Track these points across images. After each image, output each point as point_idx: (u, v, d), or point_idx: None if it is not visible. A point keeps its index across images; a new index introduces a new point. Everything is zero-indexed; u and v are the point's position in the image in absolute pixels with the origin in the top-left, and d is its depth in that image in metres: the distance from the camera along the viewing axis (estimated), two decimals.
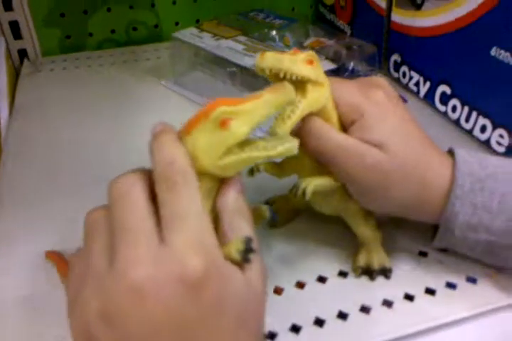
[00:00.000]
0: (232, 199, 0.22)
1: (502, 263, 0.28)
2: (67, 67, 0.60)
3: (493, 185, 0.26)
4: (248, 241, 0.20)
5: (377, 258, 0.29)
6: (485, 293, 0.28)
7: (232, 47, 0.48)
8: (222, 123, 0.21)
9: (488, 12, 0.38)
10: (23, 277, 0.30)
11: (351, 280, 0.30)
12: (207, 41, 0.50)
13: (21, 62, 0.60)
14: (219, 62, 0.49)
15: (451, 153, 0.28)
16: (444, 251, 0.31)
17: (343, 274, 0.30)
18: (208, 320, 0.18)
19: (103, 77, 0.58)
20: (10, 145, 0.45)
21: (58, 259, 0.29)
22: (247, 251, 0.20)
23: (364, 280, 0.30)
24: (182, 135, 0.22)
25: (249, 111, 0.21)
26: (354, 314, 0.27)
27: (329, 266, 0.31)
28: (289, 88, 0.22)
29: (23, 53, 0.61)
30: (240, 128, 0.21)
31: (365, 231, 0.29)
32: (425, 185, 0.26)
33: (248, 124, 0.21)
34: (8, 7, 0.57)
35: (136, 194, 0.20)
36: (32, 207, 0.36)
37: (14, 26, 0.59)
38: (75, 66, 0.60)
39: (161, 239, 0.19)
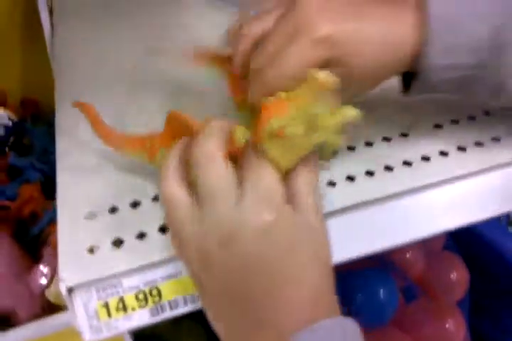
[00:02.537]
0: (306, 180, 0.26)
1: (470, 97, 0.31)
2: None
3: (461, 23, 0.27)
4: None
5: None
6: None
7: None
8: (279, 134, 0.24)
9: None
10: None
11: None
12: None
13: None
14: None
15: None
16: None
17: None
18: (284, 258, 0.24)
19: None
20: (57, 53, 0.48)
21: (91, 112, 0.32)
22: None
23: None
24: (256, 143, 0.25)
25: (294, 117, 0.24)
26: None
27: None
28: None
29: None
30: (296, 131, 0.24)
31: None
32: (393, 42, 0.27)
33: (300, 125, 0.24)
34: None
35: (221, 159, 0.24)
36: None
37: None
38: None
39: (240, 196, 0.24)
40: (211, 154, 0.24)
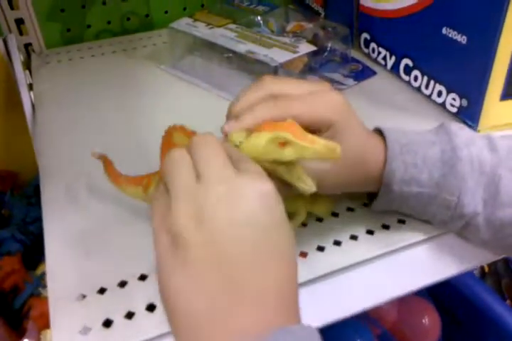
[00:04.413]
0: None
1: (429, 217, 0.36)
2: (72, 58, 0.66)
3: (415, 148, 0.34)
4: None
5: None
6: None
7: (225, 35, 0.56)
8: (281, 144, 0.28)
9: None
10: None
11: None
12: (202, 30, 0.57)
13: (28, 56, 0.66)
14: (214, 49, 0.56)
15: (377, 130, 0.36)
16: None
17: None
18: (279, 227, 0.25)
19: (107, 64, 0.64)
20: (40, 133, 0.51)
21: (106, 160, 0.38)
22: None
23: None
24: (253, 130, 0.29)
25: (302, 149, 0.27)
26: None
27: None
28: (338, 153, 0.27)
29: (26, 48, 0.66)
30: (289, 156, 0.28)
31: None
32: (366, 163, 0.33)
33: (296, 155, 0.28)
34: (13, 6, 0.63)
35: (215, 140, 0.27)
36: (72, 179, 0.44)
37: (18, 23, 0.64)
38: (79, 56, 0.66)
39: (236, 169, 0.26)
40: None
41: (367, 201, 0.39)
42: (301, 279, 0.33)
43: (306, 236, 0.36)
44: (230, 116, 0.33)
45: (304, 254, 0.35)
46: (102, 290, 0.33)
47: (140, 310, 0.31)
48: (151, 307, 0.31)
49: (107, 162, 0.39)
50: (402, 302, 0.70)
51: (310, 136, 0.28)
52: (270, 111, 0.30)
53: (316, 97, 0.32)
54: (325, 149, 0.27)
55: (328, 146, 0.27)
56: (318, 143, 0.27)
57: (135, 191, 0.36)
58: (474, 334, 0.69)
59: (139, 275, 0.34)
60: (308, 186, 0.29)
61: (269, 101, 0.31)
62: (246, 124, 0.30)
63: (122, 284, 0.33)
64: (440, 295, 0.73)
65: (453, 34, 0.46)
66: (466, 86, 0.46)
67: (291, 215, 0.34)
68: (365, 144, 0.33)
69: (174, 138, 0.34)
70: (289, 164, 0.29)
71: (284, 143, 0.28)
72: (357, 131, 0.33)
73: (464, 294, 0.69)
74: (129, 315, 0.31)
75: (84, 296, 0.32)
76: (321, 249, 0.36)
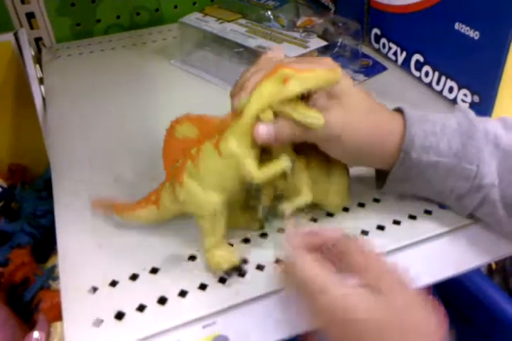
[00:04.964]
0: None
1: (446, 192, 0.35)
2: (82, 53, 0.66)
3: (433, 118, 0.34)
4: None
5: None
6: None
7: (235, 30, 0.56)
8: (285, 80, 0.29)
9: None
10: None
11: None
12: (212, 25, 0.57)
13: (38, 50, 0.67)
14: (225, 44, 0.56)
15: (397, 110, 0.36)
16: None
17: None
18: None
19: (117, 59, 0.64)
20: (51, 127, 0.52)
21: (107, 204, 0.37)
22: None
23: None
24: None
25: (305, 78, 0.29)
26: None
27: None
28: (338, 73, 0.30)
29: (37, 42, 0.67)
30: (294, 88, 0.29)
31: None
32: (382, 131, 0.33)
33: (301, 86, 0.29)
34: (24, 0, 0.63)
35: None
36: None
37: (29, 17, 0.65)
38: (89, 51, 0.66)
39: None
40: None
41: (377, 186, 0.38)
42: None
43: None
44: (234, 92, 0.34)
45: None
46: (113, 283, 0.33)
47: (151, 302, 0.32)
48: (162, 300, 0.32)
49: (108, 205, 0.38)
50: None
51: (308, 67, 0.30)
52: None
53: (314, 64, 0.32)
54: (325, 73, 0.29)
55: (329, 69, 0.29)
56: (317, 70, 0.29)
57: (149, 212, 0.36)
58: (482, 331, 0.69)
59: (150, 268, 0.34)
60: (316, 118, 0.30)
61: (267, 68, 0.32)
62: (251, 88, 0.31)
63: (134, 277, 0.33)
64: (447, 292, 0.73)
65: (465, 29, 0.45)
66: (478, 82, 0.45)
67: (296, 192, 0.34)
68: (375, 109, 0.34)
69: (177, 132, 0.34)
70: (293, 102, 0.30)
71: (287, 79, 0.29)
72: (362, 94, 0.34)
73: (471, 291, 0.69)
74: (141, 308, 0.31)
75: (95, 289, 0.33)
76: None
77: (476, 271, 0.71)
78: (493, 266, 0.82)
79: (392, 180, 0.36)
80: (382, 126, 0.34)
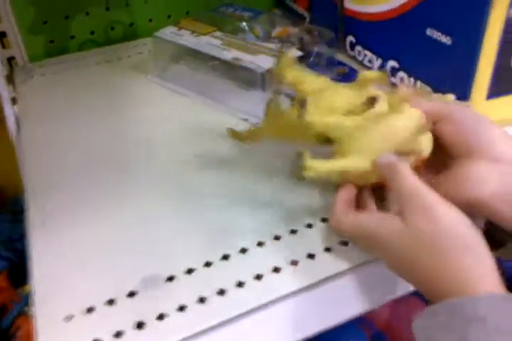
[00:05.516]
0: None
1: None
2: (56, 71, 0.65)
3: None
4: None
5: None
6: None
7: (210, 43, 0.55)
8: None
9: (423, 1, 0.46)
10: None
11: None
12: (187, 38, 0.57)
13: (11, 69, 0.65)
14: (200, 57, 0.56)
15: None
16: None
17: None
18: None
19: (92, 76, 0.63)
20: (25, 148, 0.50)
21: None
22: None
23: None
24: None
25: None
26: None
27: None
28: None
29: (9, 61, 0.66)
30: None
31: None
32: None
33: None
34: None
35: None
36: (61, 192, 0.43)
37: (1, 36, 0.64)
38: (63, 68, 0.65)
39: None
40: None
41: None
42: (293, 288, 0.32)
43: (297, 245, 0.36)
44: None
45: (295, 263, 0.34)
46: (89, 310, 0.32)
47: (129, 328, 0.30)
48: (140, 325, 0.31)
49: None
50: (394, 301, 0.69)
51: None
52: None
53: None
54: None
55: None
56: None
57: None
58: None
59: (127, 292, 0.33)
60: None
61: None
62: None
63: (111, 302, 0.32)
64: None
65: (437, 35, 0.45)
66: (452, 86, 0.45)
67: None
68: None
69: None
70: None
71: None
72: None
73: None
74: (118, 335, 0.30)
75: (71, 316, 0.31)
76: (311, 256, 0.35)
77: None
78: None
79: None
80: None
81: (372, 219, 0.31)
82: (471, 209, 0.30)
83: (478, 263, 0.27)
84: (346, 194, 0.34)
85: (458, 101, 0.39)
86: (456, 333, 0.24)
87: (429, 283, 0.28)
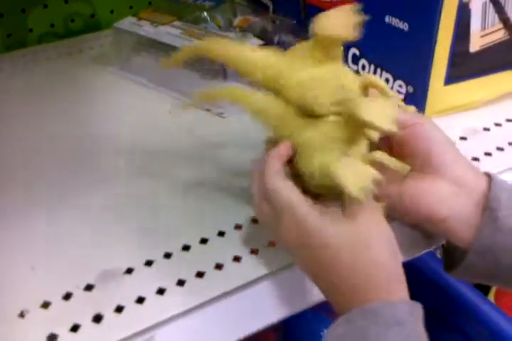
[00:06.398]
0: None
1: None
2: (15, 65, 0.63)
3: None
4: None
5: None
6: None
7: (170, 33, 0.54)
8: None
9: None
10: None
11: None
12: (147, 29, 0.56)
13: None
14: (160, 47, 0.55)
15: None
16: None
17: None
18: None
19: (53, 69, 0.62)
20: None
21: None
22: None
23: None
24: None
25: None
26: None
27: None
28: None
29: None
30: None
31: None
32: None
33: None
34: None
35: None
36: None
37: None
38: (23, 62, 0.64)
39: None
40: None
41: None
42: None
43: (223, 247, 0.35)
44: None
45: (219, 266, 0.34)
46: (45, 305, 0.31)
47: (86, 321, 0.30)
48: (97, 318, 0.30)
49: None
50: None
51: None
52: None
53: None
54: None
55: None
56: None
57: None
58: (444, 320, 0.69)
59: (84, 285, 0.32)
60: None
61: None
62: None
63: (67, 296, 0.32)
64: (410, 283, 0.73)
65: (395, 22, 0.46)
66: (411, 72, 0.46)
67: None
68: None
69: None
70: None
71: None
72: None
73: (430, 278, 0.70)
74: (75, 328, 0.30)
75: (26, 312, 0.31)
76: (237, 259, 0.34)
77: (430, 254, 0.72)
78: None
79: (475, 252, 0.30)
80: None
81: (312, 208, 0.29)
82: (427, 223, 0.32)
83: (388, 275, 0.28)
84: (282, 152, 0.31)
85: (419, 114, 0.39)
86: (375, 337, 0.25)
87: (337, 293, 0.29)
